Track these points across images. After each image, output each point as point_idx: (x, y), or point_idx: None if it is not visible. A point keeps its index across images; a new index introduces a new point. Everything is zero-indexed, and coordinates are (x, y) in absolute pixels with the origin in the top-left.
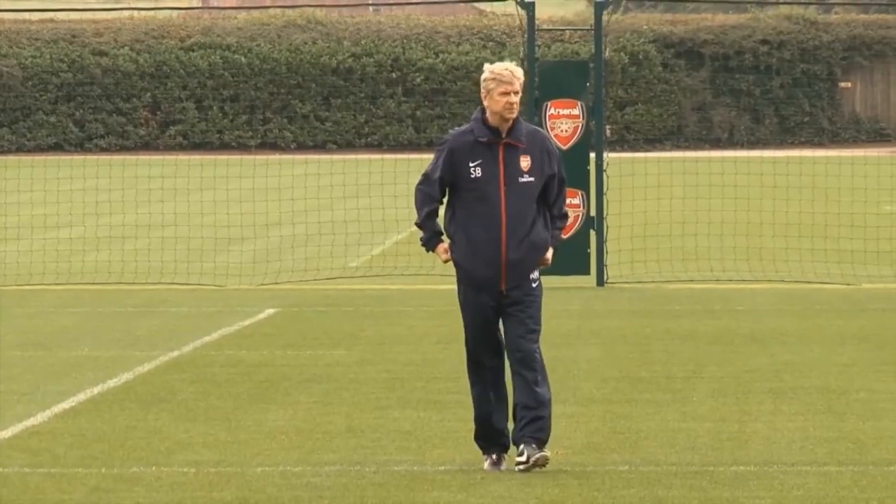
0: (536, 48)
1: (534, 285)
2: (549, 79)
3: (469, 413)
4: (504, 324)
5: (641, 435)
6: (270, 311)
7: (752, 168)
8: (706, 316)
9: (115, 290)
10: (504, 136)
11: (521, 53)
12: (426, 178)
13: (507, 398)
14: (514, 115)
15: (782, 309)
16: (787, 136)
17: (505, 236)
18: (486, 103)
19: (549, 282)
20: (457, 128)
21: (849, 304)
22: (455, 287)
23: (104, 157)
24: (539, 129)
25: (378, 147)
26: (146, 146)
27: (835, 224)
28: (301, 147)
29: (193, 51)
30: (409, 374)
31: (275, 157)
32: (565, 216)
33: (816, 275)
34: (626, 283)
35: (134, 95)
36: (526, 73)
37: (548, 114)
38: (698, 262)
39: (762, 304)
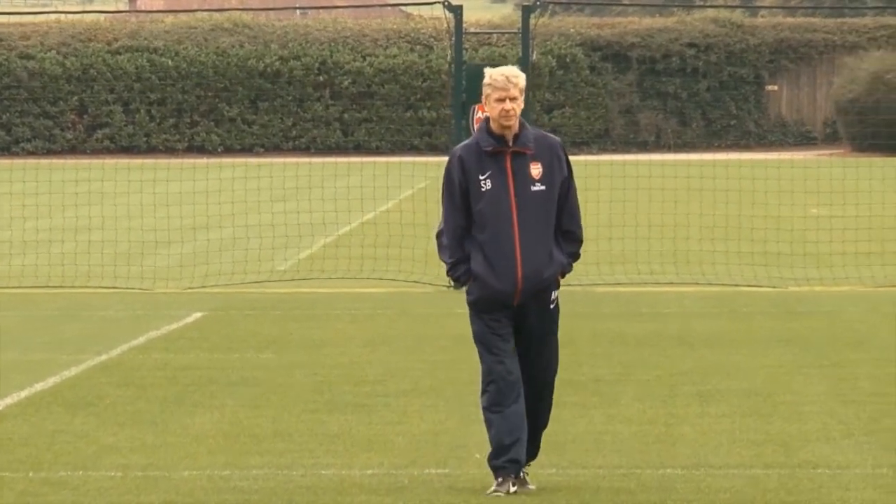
0: (464, 51)
1: (552, 307)
2: (477, 82)
3: (395, 416)
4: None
5: (568, 438)
6: (198, 314)
7: (679, 171)
8: (634, 319)
9: (42, 293)
10: (511, 143)
11: (449, 56)
12: (445, 213)
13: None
14: (513, 123)
15: (709, 312)
16: (713, 139)
17: (520, 250)
18: (486, 110)
19: None
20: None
21: (776, 306)
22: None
23: (31, 161)
24: (548, 134)
25: (306, 150)
26: (73, 150)
27: (762, 227)
28: (228, 150)
29: (120, 54)
30: (337, 378)
31: (202, 160)
32: (579, 236)
33: (743, 278)
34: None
35: (61, 99)
36: (450, 76)
37: (475, 117)
38: (626, 265)
39: (689, 306)
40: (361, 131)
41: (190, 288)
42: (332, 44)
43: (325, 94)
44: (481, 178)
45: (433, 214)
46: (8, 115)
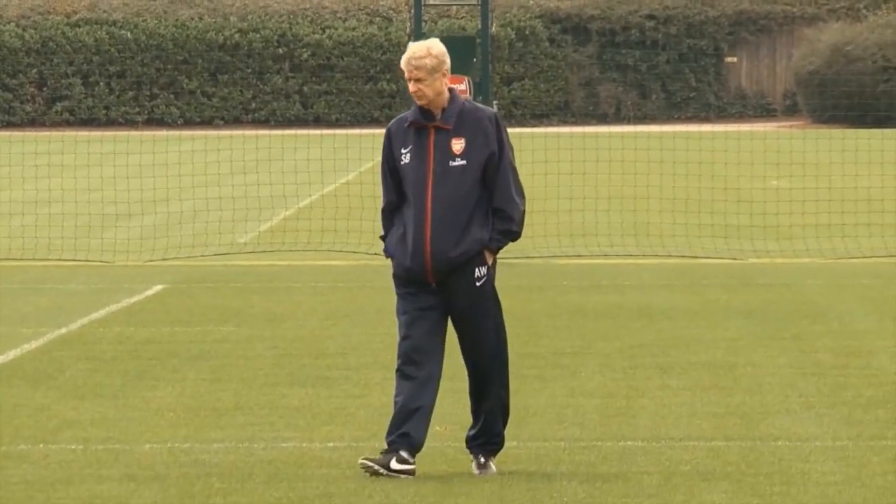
0: (423, 24)
1: (478, 284)
2: None
3: (356, 389)
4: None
5: (529, 411)
6: (158, 287)
7: (639, 143)
8: (594, 291)
9: (2, 266)
10: (437, 118)
11: (408, 29)
12: (382, 186)
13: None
14: (424, 102)
15: (669, 284)
16: (673, 111)
17: (430, 228)
18: None
19: None
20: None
21: (735, 279)
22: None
23: None
24: (482, 107)
25: (265, 123)
26: (33, 122)
27: (721, 199)
28: (188, 123)
29: (80, 27)
30: (298, 351)
31: (162, 133)
32: (510, 213)
33: (703, 250)
34: (514, 258)
35: (20, 71)
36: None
37: None
38: (585, 238)
39: (649, 279)
40: (321, 104)
41: (150, 261)
42: (292, 16)
43: (285, 67)
44: (403, 151)
45: None
46: None
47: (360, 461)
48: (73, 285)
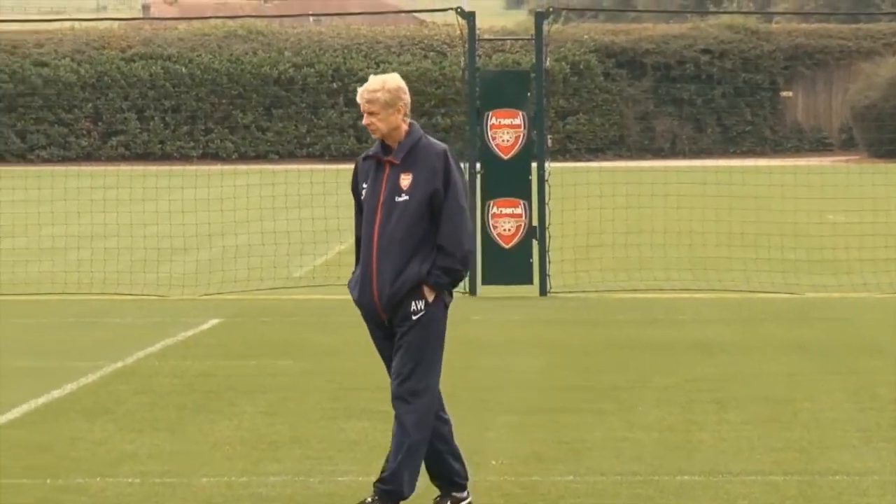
0: (477, 58)
1: (414, 318)
2: (491, 88)
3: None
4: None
5: (587, 445)
6: (214, 321)
7: (695, 177)
8: (650, 325)
9: (58, 300)
10: (392, 153)
11: (462, 63)
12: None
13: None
14: (378, 136)
15: (726, 318)
16: (729, 145)
17: (375, 262)
18: None
19: (491, 291)
20: None
21: (792, 313)
22: None
23: (46, 168)
24: (438, 144)
25: (320, 157)
26: (88, 157)
27: (777, 233)
28: (243, 157)
29: (134, 61)
30: (354, 384)
31: (216, 167)
32: (450, 250)
33: (760, 284)
34: (570, 292)
35: (75, 106)
36: (464, 82)
37: (489, 123)
38: (641, 272)
39: (706, 313)
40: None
41: (206, 295)
42: (346, 50)
43: (340, 101)
44: (364, 185)
45: None
46: (23, 122)
47: None
48: (129, 319)
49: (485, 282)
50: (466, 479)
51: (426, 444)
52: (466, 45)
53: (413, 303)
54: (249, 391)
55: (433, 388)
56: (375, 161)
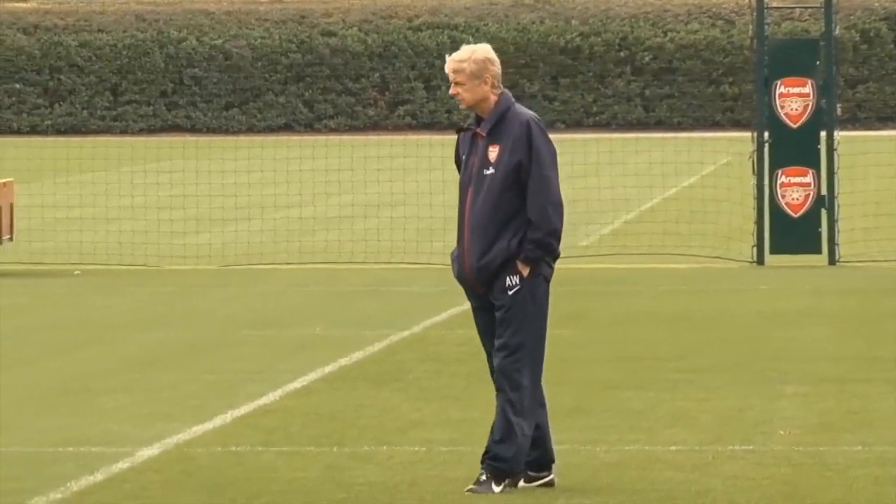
0: (766, 26)
1: (510, 293)
2: (779, 57)
3: (699, 392)
4: None
5: (876, 415)
6: None
7: None
8: None
9: (346, 269)
10: (481, 125)
11: (751, 32)
12: None
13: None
14: (465, 106)
15: None
16: None
17: (468, 237)
18: None
19: (779, 260)
20: None
21: None
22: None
23: (333, 138)
24: (524, 113)
25: (606, 126)
26: (375, 126)
27: None
28: None
29: (421, 30)
30: (639, 354)
31: None
32: (537, 223)
33: None
34: (859, 261)
35: (362, 76)
36: (753, 51)
37: (778, 92)
38: None
39: None
40: (663, 107)
41: None
42: (633, 19)
43: (627, 70)
44: (464, 157)
45: (736, 190)
46: (311, 91)
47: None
48: (415, 288)
49: (773, 251)
50: (552, 461)
51: (534, 420)
52: (755, 13)
53: (508, 277)
54: None
55: (537, 362)
56: (471, 134)
